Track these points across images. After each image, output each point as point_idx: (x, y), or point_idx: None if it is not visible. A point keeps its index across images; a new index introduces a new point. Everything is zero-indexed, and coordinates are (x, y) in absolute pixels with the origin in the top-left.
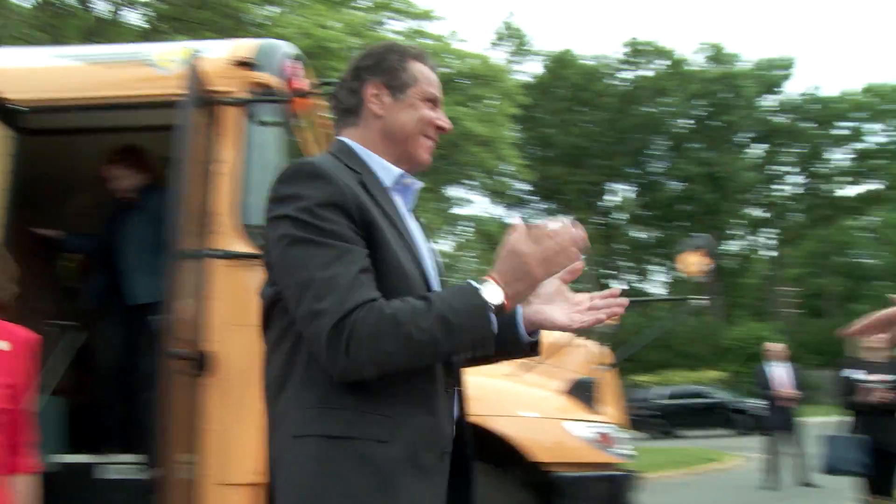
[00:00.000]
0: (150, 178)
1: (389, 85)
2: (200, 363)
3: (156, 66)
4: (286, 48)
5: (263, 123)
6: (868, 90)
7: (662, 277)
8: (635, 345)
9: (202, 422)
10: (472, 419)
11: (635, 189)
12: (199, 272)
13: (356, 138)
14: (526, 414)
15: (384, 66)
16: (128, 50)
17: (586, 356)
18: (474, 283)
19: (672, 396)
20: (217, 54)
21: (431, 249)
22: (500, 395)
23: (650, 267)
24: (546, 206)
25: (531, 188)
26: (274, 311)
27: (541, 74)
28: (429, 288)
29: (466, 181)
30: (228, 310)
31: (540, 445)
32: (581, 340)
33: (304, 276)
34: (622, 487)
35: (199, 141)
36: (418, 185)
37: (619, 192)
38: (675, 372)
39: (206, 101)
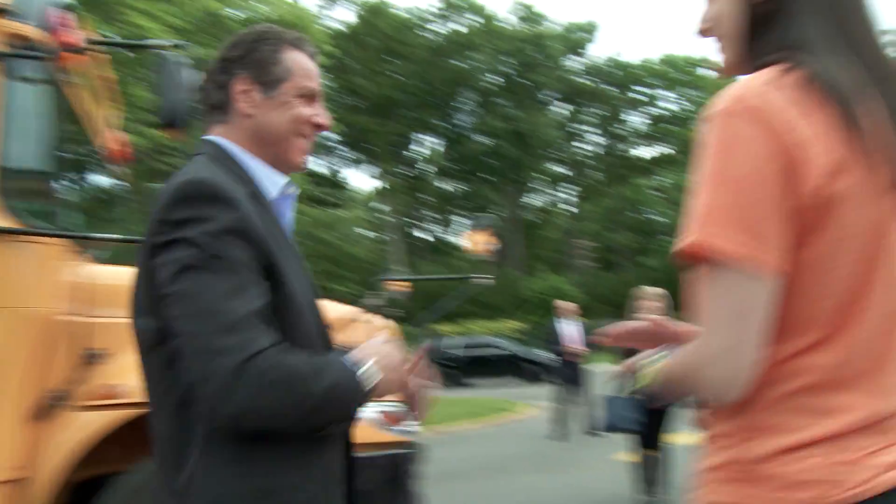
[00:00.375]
0: None
1: (260, 80)
2: None
3: None
4: None
5: (25, 80)
6: (665, 60)
7: (466, 229)
8: (423, 318)
9: None
10: None
11: (443, 142)
12: None
13: (228, 137)
14: None
15: (254, 57)
16: None
17: (371, 332)
18: (358, 366)
19: (467, 347)
20: None
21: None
22: None
23: (455, 218)
24: (354, 156)
25: (340, 137)
26: (155, 353)
27: (353, 23)
28: (318, 319)
29: None
30: None
31: None
32: (366, 316)
33: (203, 307)
34: (404, 466)
35: None
36: (296, 192)
37: (427, 145)
38: (475, 322)
39: None
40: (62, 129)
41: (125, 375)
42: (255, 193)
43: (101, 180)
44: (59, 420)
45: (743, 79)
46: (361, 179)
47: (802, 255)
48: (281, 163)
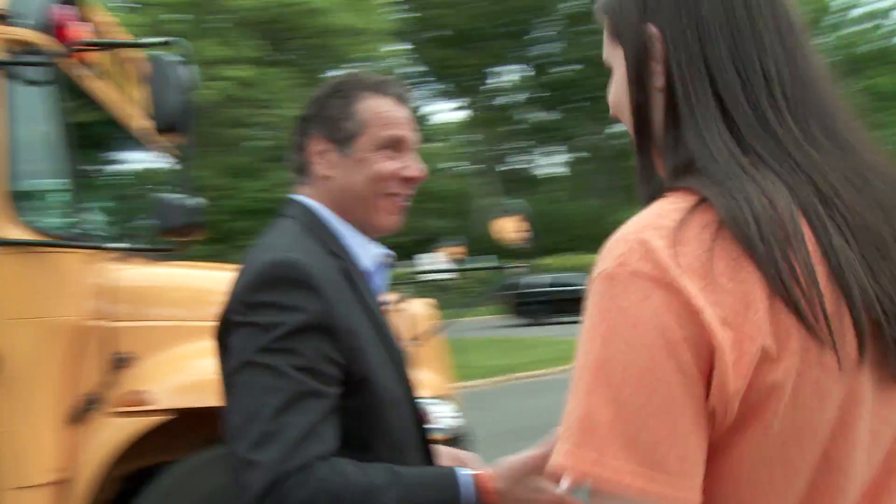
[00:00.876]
0: None
1: (333, 138)
2: None
3: None
4: None
5: (32, 83)
6: None
7: (560, 158)
8: (464, 306)
9: None
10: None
11: (527, 71)
12: None
13: (315, 199)
14: None
15: (326, 114)
16: None
17: (411, 321)
18: (460, 475)
19: (552, 285)
20: None
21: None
22: None
23: (546, 148)
24: (439, 89)
25: (422, 70)
26: None
27: None
28: (415, 410)
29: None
30: (6, 304)
31: None
32: (407, 303)
33: (251, 409)
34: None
35: None
36: (391, 259)
37: (511, 75)
38: (556, 258)
39: None
40: (82, 127)
41: (151, 381)
42: (348, 268)
43: (144, 161)
44: (93, 423)
45: (631, 222)
46: (447, 113)
47: (728, 467)
48: (369, 227)
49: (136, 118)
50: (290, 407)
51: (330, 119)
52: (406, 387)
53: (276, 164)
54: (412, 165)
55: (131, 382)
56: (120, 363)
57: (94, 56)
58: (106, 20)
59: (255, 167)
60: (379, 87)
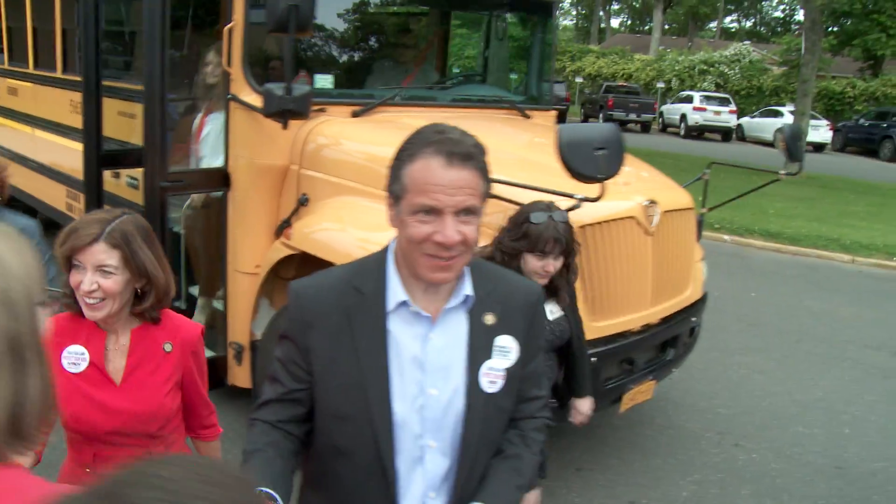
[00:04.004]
0: None
1: (392, 194)
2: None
3: None
4: None
5: None
6: None
7: None
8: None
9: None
10: None
11: None
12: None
13: (396, 241)
14: None
15: (392, 170)
16: None
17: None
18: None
19: None
20: None
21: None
22: None
23: None
24: None
25: None
26: None
27: None
28: (376, 432)
29: None
30: (256, 148)
31: None
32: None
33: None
34: None
35: None
36: (420, 311)
37: None
38: None
39: None
40: None
41: (299, 221)
42: (358, 304)
43: None
44: (275, 240)
45: None
46: None
47: None
48: (418, 277)
49: None
50: (267, 380)
51: (391, 176)
52: (367, 410)
53: None
54: (446, 231)
55: (298, 218)
56: (302, 201)
57: None
58: None
59: None
60: (431, 147)
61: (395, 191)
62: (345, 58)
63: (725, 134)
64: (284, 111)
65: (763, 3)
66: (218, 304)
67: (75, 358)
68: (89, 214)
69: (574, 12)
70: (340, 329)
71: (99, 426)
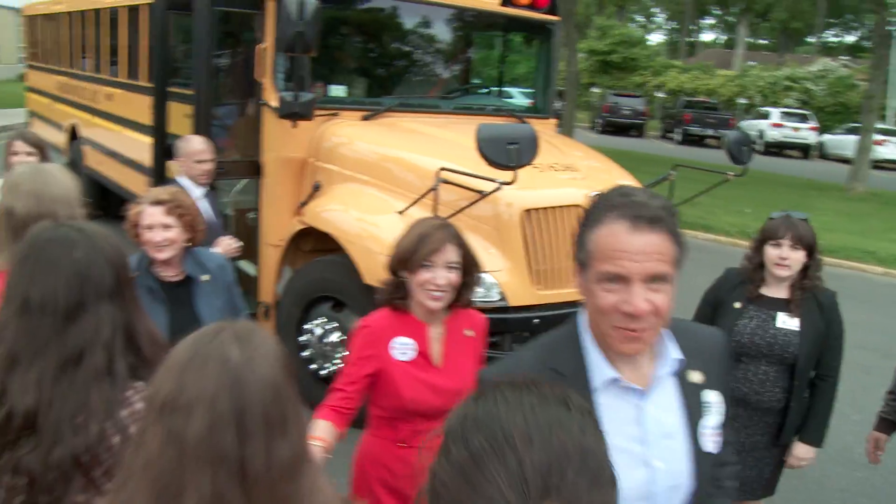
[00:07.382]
0: None
1: (579, 261)
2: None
3: None
4: None
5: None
6: None
7: None
8: None
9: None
10: None
11: None
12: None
13: (586, 314)
14: None
15: (577, 237)
16: None
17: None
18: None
19: None
20: None
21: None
22: None
23: None
24: None
25: None
26: None
27: None
28: None
29: None
30: (279, 143)
31: None
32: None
33: None
34: None
35: None
36: (629, 385)
37: None
38: None
39: None
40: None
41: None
42: (570, 380)
43: None
44: (297, 218)
45: None
46: None
47: None
48: (611, 349)
49: None
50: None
51: (577, 244)
52: None
53: None
54: (633, 300)
55: (311, 201)
56: (316, 188)
57: None
58: None
59: None
60: (615, 211)
61: (581, 258)
62: (364, 70)
63: (805, 151)
64: (293, 114)
65: (867, 14)
66: (251, 270)
67: (405, 348)
68: (423, 222)
69: (668, 27)
70: None
71: (433, 406)
